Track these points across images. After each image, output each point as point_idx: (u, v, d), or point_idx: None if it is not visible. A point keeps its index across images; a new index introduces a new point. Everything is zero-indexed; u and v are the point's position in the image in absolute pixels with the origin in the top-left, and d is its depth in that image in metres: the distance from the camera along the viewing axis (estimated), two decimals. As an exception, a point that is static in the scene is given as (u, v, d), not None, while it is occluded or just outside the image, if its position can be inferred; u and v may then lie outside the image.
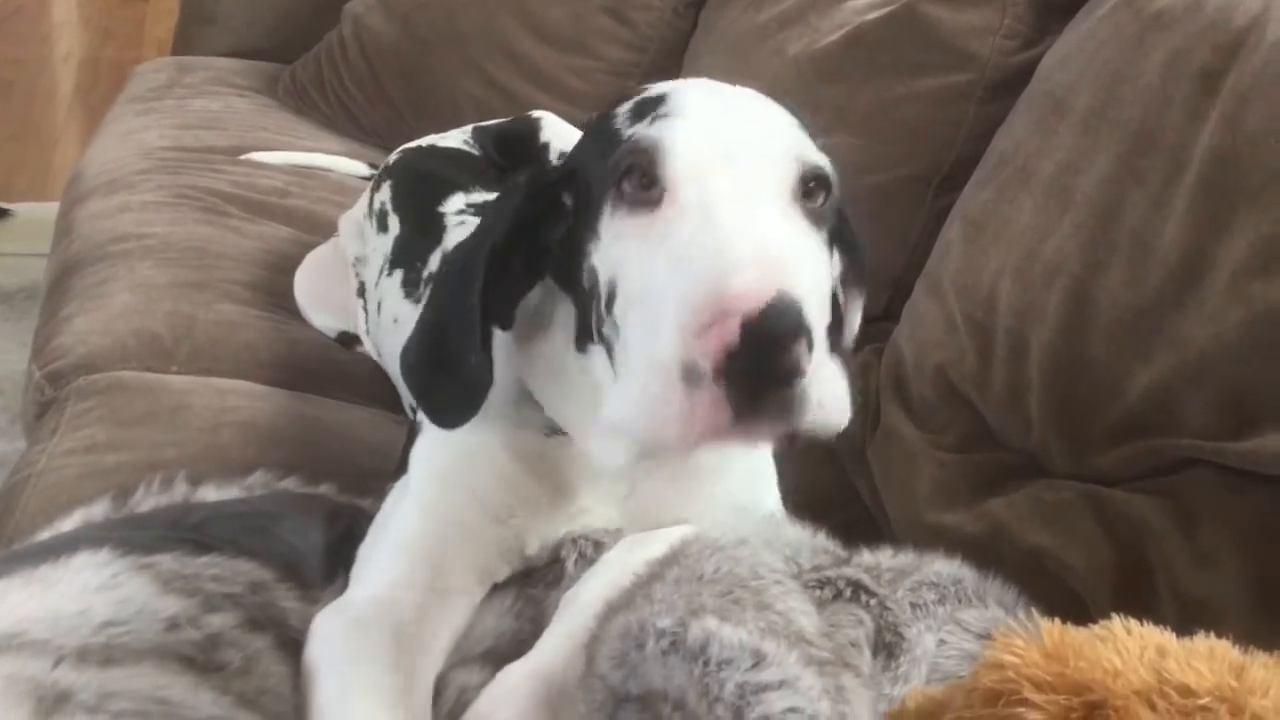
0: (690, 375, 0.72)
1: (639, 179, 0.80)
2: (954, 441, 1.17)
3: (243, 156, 1.89)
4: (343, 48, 2.15)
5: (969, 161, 1.36)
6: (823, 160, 0.84)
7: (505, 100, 1.94)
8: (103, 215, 1.66)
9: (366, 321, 1.41)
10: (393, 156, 1.53)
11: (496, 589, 0.99)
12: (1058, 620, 0.69)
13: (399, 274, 1.29)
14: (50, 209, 2.85)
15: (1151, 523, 0.97)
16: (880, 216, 1.46)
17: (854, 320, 0.98)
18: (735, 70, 1.71)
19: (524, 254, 0.88)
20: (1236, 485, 0.96)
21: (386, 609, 0.90)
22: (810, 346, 0.72)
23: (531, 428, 0.95)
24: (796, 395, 0.73)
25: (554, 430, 0.94)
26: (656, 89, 0.89)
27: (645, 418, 0.75)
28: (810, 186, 0.83)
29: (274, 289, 1.53)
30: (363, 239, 1.45)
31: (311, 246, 1.59)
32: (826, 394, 0.75)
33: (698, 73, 1.85)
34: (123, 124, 1.99)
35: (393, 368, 1.26)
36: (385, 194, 1.42)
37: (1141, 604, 0.88)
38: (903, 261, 1.44)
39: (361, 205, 1.49)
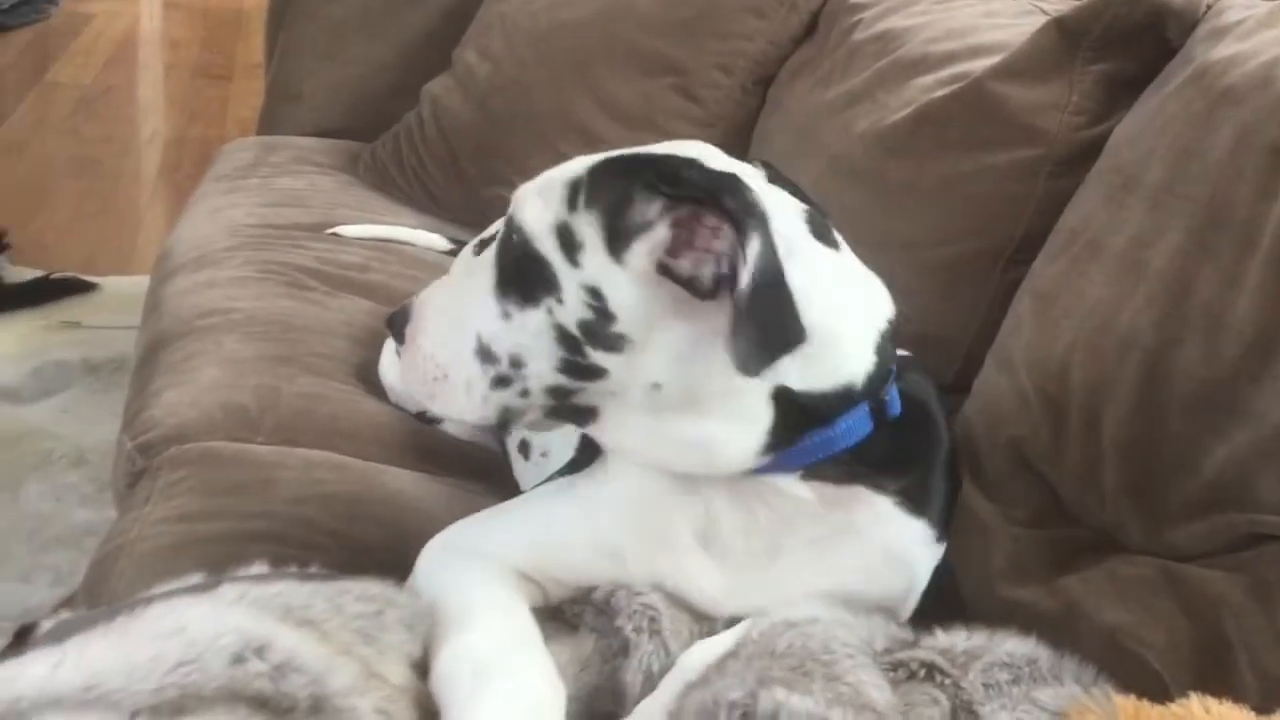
0: None
1: None
2: (1027, 516, 1.16)
3: (328, 231, 1.95)
4: (421, 127, 2.22)
5: (1038, 236, 1.37)
6: None
7: (578, 177, 1.98)
8: (190, 291, 1.72)
9: None
10: None
11: (570, 634, 1.01)
12: (1133, 697, 0.69)
13: None
14: (134, 283, 2.97)
15: (1229, 599, 0.95)
16: (949, 290, 1.47)
17: None
18: (803, 146, 1.75)
19: None
20: (1314, 562, 0.95)
21: (492, 560, 1.02)
22: None
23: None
24: None
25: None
26: None
27: None
28: None
29: (355, 362, 1.58)
30: None
31: (390, 319, 1.63)
32: None
33: (767, 148, 1.89)
34: (210, 201, 2.07)
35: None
36: None
37: (1223, 682, 0.87)
38: (972, 335, 1.44)
39: None
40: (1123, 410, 1.10)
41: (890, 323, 1.04)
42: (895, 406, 1.02)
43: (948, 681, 0.92)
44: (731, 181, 0.94)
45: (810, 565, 1.03)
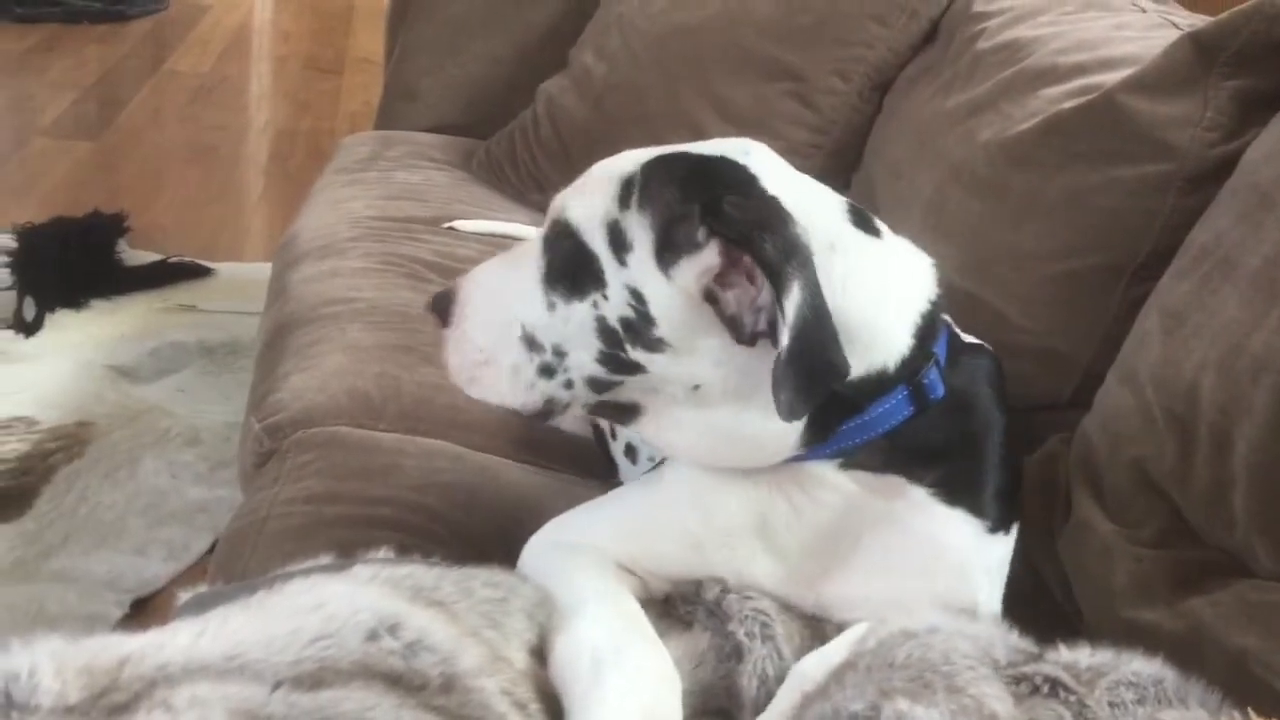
0: None
1: None
2: (1151, 536, 1.15)
3: (445, 225, 1.99)
4: (536, 125, 2.25)
5: (1165, 253, 1.34)
6: None
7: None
8: (315, 279, 1.76)
9: None
10: None
11: (684, 630, 1.02)
12: (1272, 721, 0.68)
13: None
14: (248, 269, 3.06)
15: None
16: (1071, 304, 1.46)
17: None
18: (922, 154, 1.74)
19: None
20: None
21: (593, 553, 1.04)
22: None
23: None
24: None
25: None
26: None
27: None
28: None
29: (470, 354, 1.60)
30: None
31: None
32: None
33: (883, 156, 1.89)
34: (332, 193, 2.12)
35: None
36: None
37: (1357, 712, 0.85)
38: (1093, 350, 1.42)
39: None
40: (1255, 433, 1.08)
41: (934, 303, 1.03)
42: (937, 389, 1.01)
43: (1072, 699, 0.91)
44: (772, 217, 0.93)
45: (861, 558, 1.03)
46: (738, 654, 1.00)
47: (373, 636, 0.88)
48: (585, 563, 1.03)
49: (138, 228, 3.26)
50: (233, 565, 1.16)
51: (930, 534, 1.03)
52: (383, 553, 1.02)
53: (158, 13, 5.50)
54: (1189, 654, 0.98)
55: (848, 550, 1.03)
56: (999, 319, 1.52)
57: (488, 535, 1.21)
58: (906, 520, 1.03)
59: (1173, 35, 1.46)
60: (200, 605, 0.94)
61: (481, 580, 1.00)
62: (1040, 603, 1.23)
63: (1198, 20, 1.51)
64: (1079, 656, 0.95)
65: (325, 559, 1.06)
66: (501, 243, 1.99)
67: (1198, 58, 1.41)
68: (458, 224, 2.00)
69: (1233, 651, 0.99)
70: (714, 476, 1.04)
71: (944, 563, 1.04)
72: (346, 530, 1.14)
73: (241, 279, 3.03)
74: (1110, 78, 1.48)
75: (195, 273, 3.07)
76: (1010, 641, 0.99)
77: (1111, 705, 0.91)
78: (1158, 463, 1.17)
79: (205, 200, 3.67)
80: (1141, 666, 0.94)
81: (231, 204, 3.71)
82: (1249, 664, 0.98)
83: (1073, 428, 1.36)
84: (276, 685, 0.82)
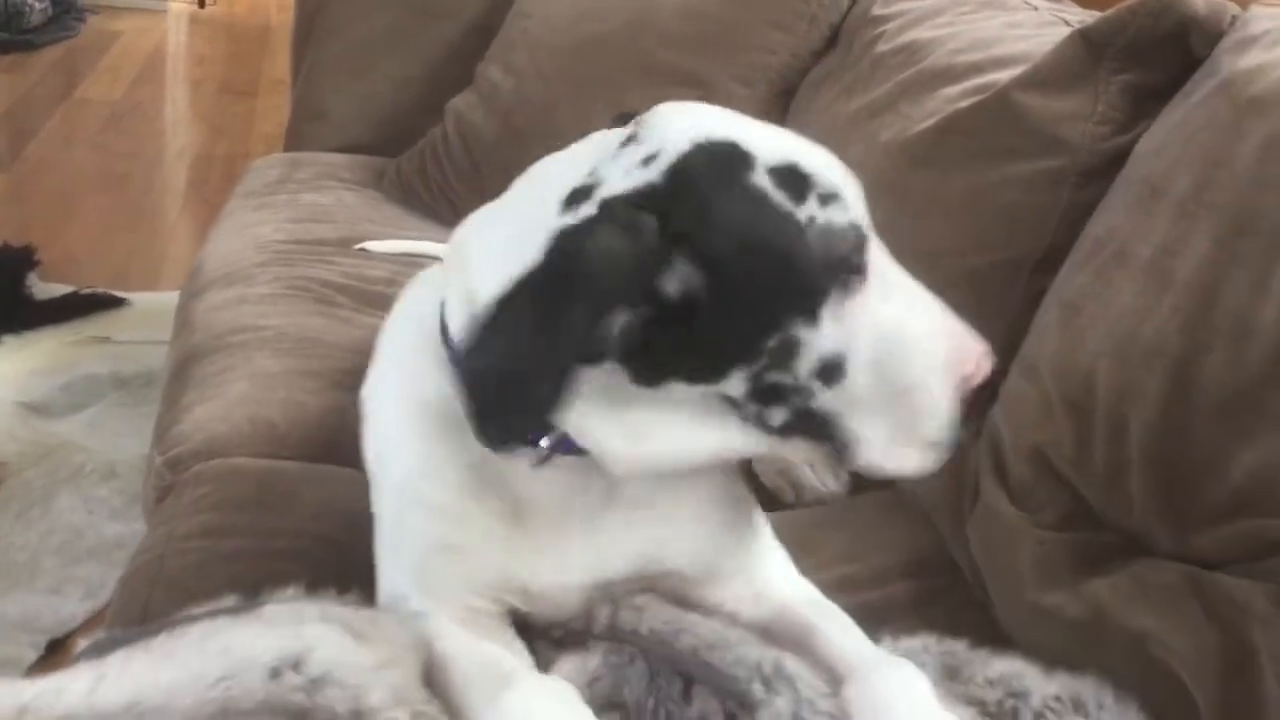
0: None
1: (853, 265, 0.91)
2: (1053, 520, 1.17)
3: (356, 246, 1.97)
4: (446, 142, 2.24)
5: (1063, 246, 1.36)
6: None
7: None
8: (221, 307, 1.73)
9: None
10: None
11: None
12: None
13: None
14: (163, 298, 3.00)
15: (1256, 607, 0.95)
16: (975, 300, 1.46)
17: None
18: (828, 158, 1.75)
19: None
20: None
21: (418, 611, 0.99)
22: None
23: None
24: None
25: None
26: (730, 137, 0.91)
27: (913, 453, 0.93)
28: None
29: (382, 376, 1.58)
30: None
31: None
32: None
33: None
34: (239, 218, 2.09)
35: None
36: None
37: (1248, 691, 0.87)
38: (999, 345, 1.43)
39: None
40: (1149, 417, 1.10)
41: None
42: None
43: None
44: None
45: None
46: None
47: (276, 674, 0.87)
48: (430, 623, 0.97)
49: (49, 259, 3.19)
50: (131, 607, 1.13)
51: None
52: (291, 591, 1.00)
53: (67, 39, 5.41)
54: (1092, 636, 1.00)
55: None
56: (908, 318, 1.54)
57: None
58: None
59: (1064, 32, 1.49)
60: (101, 649, 0.92)
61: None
62: (949, 574, 1.24)
63: (1089, 17, 1.54)
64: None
65: (230, 600, 1.04)
66: (415, 261, 1.97)
67: (1088, 54, 1.43)
68: (368, 245, 1.98)
69: (1132, 633, 1.01)
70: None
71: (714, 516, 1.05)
72: (245, 564, 1.12)
73: (156, 308, 2.97)
74: (1004, 76, 1.50)
75: (108, 304, 3.01)
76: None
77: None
78: (1057, 449, 1.18)
79: (118, 229, 3.61)
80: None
81: (145, 232, 3.65)
82: (1148, 645, 0.99)
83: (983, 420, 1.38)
84: (173, 734, 0.81)
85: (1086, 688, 0.94)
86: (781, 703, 0.88)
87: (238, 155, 4.17)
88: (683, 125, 0.93)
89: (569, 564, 0.99)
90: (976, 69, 1.57)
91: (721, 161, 0.89)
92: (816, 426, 0.92)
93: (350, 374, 1.57)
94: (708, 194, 0.87)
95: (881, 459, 0.93)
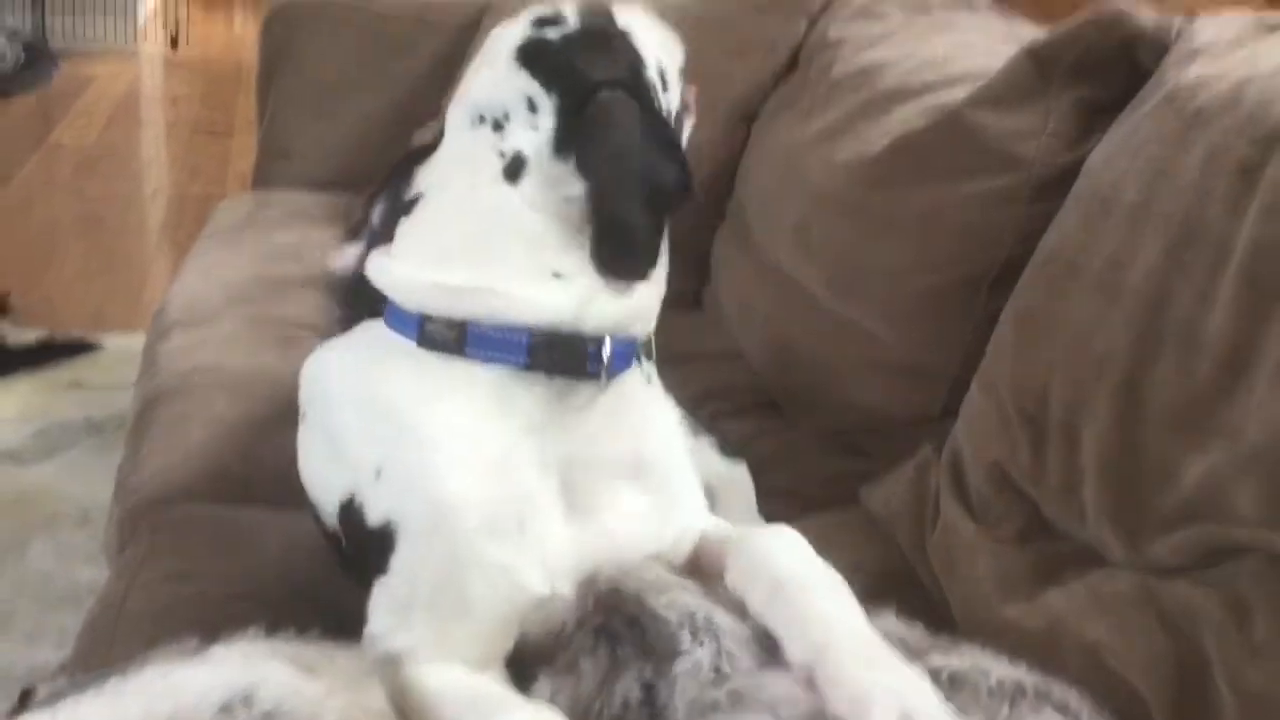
0: None
1: None
2: (1011, 533, 1.18)
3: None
4: (411, 176, 2.24)
5: (1020, 261, 1.37)
6: None
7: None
8: (184, 349, 1.73)
9: None
10: None
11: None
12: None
13: None
14: (137, 342, 2.95)
15: (1207, 614, 0.96)
16: (935, 318, 1.48)
17: None
18: (786, 181, 1.77)
19: None
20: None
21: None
22: None
23: None
24: None
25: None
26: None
27: None
28: None
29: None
30: None
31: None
32: None
33: (750, 185, 1.91)
34: (205, 259, 2.09)
35: None
36: None
37: (1201, 699, 0.87)
38: (959, 361, 1.45)
39: None
40: (1101, 427, 1.11)
41: None
42: None
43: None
44: None
45: None
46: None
47: (227, 709, 0.86)
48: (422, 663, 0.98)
49: (26, 304, 3.20)
50: (92, 656, 1.13)
51: None
52: (251, 632, 0.99)
53: (41, 87, 5.41)
54: (1050, 648, 1.00)
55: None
56: (869, 338, 1.55)
57: (356, 606, 1.18)
58: None
59: (1014, 50, 1.50)
60: (54, 698, 0.91)
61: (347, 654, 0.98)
62: (913, 587, 1.24)
63: (1040, 34, 1.55)
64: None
65: (192, 643, 1.03)
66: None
67: (1038, 70, 1.45)
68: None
69: (1087, 644, 1.01)
70: None
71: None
72: (206, 608, 1.11)
73: (130, 352, 2.92)
74: (957, 94, 1.52)
75: (82, 349, 3.00)
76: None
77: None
78: (1014, 463, 1.19)
79: (94, 272, 3.61)
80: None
81: (120, 275, 3.65)
82: (1103, 656, 0.99)
83: (944, 437, 1.38)
84: (125, 773, 0.80)
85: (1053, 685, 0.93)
86: (702, 653, 0.88)
87: (213, 195, 4.15)
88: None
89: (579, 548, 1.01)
90: (929, 88, 1.58)
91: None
92: None
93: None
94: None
95: None
